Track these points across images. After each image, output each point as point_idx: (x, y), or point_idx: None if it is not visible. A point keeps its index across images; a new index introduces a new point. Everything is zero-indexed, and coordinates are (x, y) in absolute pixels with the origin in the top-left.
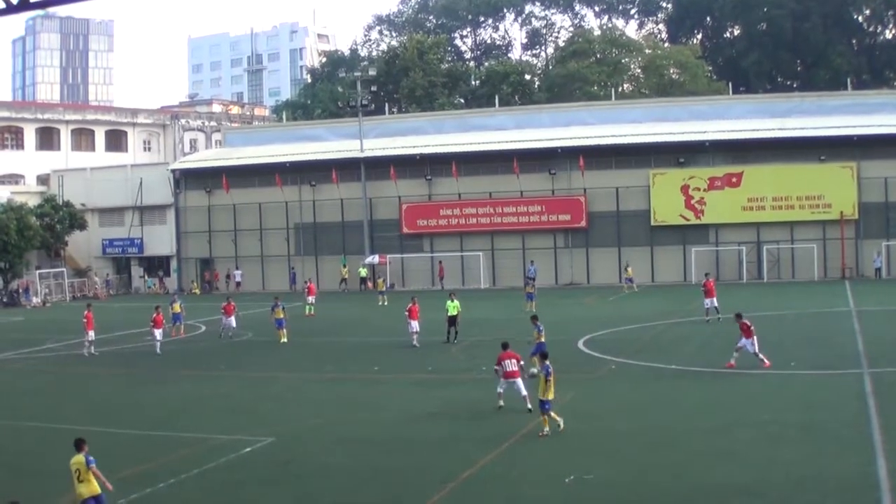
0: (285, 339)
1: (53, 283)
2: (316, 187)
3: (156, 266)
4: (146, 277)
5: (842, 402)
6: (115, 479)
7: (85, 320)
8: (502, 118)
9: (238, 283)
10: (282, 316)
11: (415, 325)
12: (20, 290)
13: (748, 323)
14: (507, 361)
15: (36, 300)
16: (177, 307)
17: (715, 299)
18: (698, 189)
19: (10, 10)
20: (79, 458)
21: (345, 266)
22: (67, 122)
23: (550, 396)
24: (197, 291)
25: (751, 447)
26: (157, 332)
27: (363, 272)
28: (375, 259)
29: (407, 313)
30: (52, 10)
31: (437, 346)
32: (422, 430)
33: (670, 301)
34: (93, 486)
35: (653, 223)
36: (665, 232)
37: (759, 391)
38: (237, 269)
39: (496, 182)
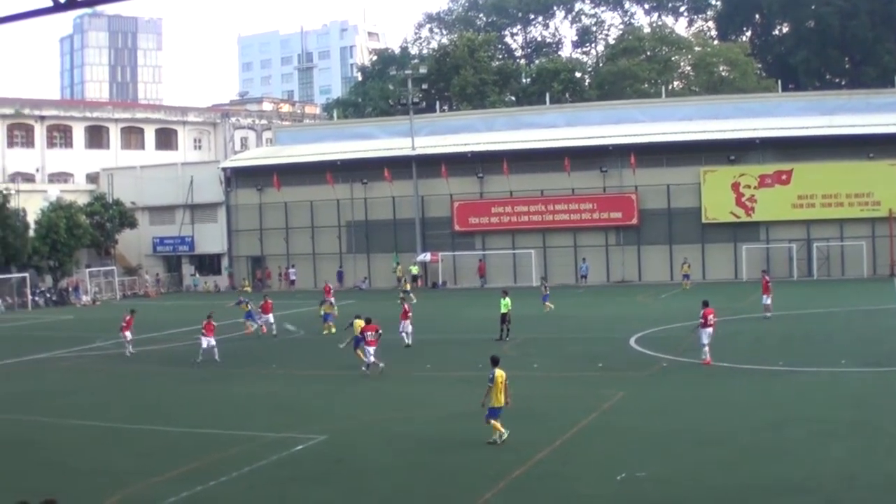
0: (331, 332)
1: (103, 281)
2: (367, 185)
3: (207, 264)
4: (196, 275)
5: (892, 400)
6: (165, 478)
7: (123, 324)
8: (553, 116)
9: (292, 282)
10: (330, 311)
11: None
12: (70, 289)
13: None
14: None
15: (86, 298)
16: (247, 307)
17: (769, 296)
18: (749, 186)
19: (58, 8)
20: None
21: (398, 264)
22: (117, 120)
23: (496, 404)
24: (248, 289)
25: (801, 444)
26: (205, 341)
27: (414, 270)
28: (427, 257)
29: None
30: (99, 8)
31: (490, 344)
32: (473, 428)
33: (722, 298)
34: None
35: (704, 221)
36: (716, 229)
37: (810, 388)
38: (291, 267)
39: (547, 180)
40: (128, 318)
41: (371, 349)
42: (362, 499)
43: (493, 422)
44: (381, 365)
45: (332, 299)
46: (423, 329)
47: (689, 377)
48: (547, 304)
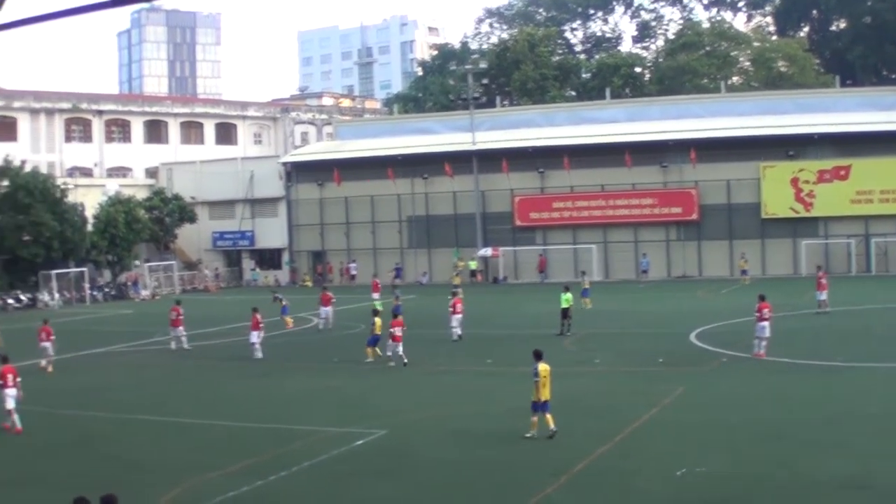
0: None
1: (163, 275)
2: (428, 180)
3: (267, 259)
4: (257, 270)
5: None
6: (224, 472)
7: (174, 316)
8: (613, 111)
9: (353, 276)
10: (398, 303)
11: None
12: (129, 283)
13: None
14: None
15: (145, 293)
16: (282, 302)
17: (825, 293)
18: (807, 182)
19: (116, 2)
20: None
21: (459, 259)
22: (176, 115)
23: (538, 398)
24: (309, 284)
25: (860, 440)
26: (254, 335)
27: (473, 264)
28: (489, 252)
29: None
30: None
31: (551, 339)
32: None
33: (781, 294)
34: None
35: (763, 216)
36: (775, 225)
37: (868, 384)
38: (352, 261)
39: (608, 175)
40: (177, 309)
41: (397, 344)
42: (422, 493)
43: (532, 418)
44: (402, 357)
45: (378, 295)
46: (485, 324)
47: (748, 373)
48: (586, 299)
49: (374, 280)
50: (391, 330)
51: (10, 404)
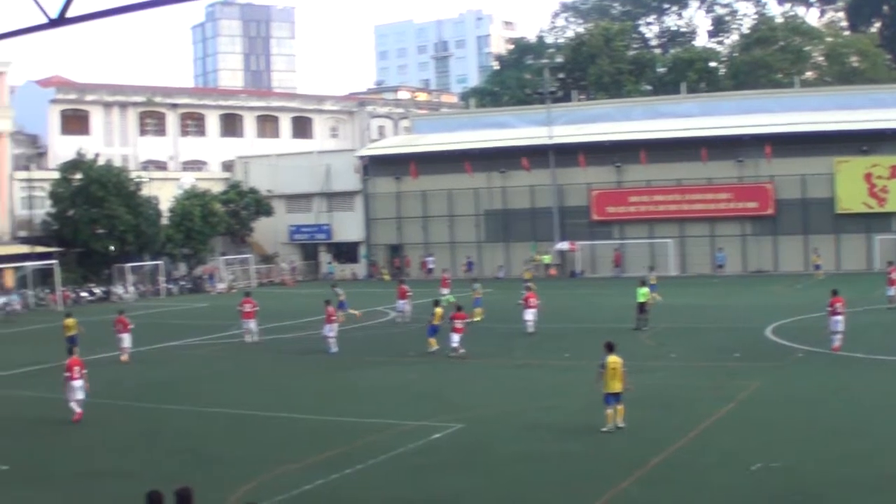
0: (479, 318)
1: (239, 269)
2: (505, 174)
3: (344, 252)
4: (333, 263)
5: None
6: (300, 466)
7: (244, 308)
8: (689, 105)
9: (430, 270)
10: (479, 295)
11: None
12: (205, 277)
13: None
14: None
15: (221, 286)
16: (341, 296)
17: (894, 288)
18: (881, 177)
19: None
20: None
21: (537, 253)
22: (251, 108)
23: (609, 390)
24: (386, 277)
25: None
26: (328, 328)
27: (547, 259)
28: (566, 246)
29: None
30: None
31: (627, 333)
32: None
33: (856, 289)
34: None
35: (837, 211)
36: (849, 220)
37: None
38: (430, 255)
39: (684, 169)
40: (250, 301)
41: (457, 336)
42: (498, 487)
43: (606, 410)
44: (463, 351)
45: (447, 290)
46: (562, 318)
47: (824, 368)
48: (653, 294)
49: (444, 275)
50: (453, 322)
51: (79, 395)
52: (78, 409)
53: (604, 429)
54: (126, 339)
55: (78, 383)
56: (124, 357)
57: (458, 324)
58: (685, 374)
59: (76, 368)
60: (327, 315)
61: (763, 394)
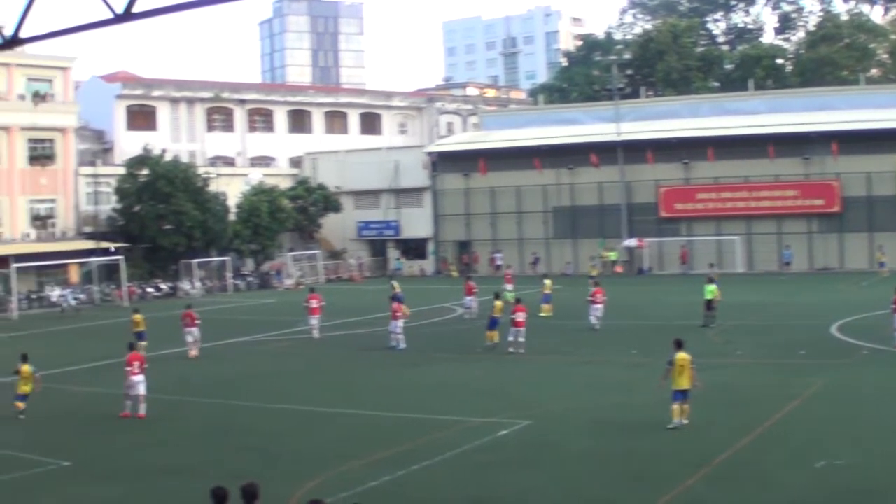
0: (547, 314)
1: (307, 265)
2: (573, 170)
3: (413, 248)
4: (402, 259)
5: None
6: (366, 462)
7: (310, 305)
8: (756, 102)
9: (498, 266)
10: (548, 291)
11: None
12: (272, 273)
13: None
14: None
15: (288, 282)
16: (397, 289)
17: None
18: None
19: None
20: None
21: (605, 249)
22: (320, 104)
23: (677, 387)
24: (454, 274)
25: None
26: (395, 324)
27: (613, 256)
28: (634, 242)
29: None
30: None
31: (694, 330)
32: None
33: None
34: None
35: None
36: None
37: None
38: (498, 251)
39: (751, 166)
40: (316, 297)
41: (515, 330)
42: (564, 484)
43: (673, 406)
44: (522, 341)
45: (511, 287)
46: (629, 315)
47: (890, 365)
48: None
49: (507, 272)
50: (513, 316)
51: (139, 390)
52: (139, 406)
53: (670, 425)
54: (194, 334)
55: (138, 378)
56: (193, 352)
57: (518, 318)
58: (751, 372)
59: (136, 364)
60: (392, 311)
61: (828, 391)
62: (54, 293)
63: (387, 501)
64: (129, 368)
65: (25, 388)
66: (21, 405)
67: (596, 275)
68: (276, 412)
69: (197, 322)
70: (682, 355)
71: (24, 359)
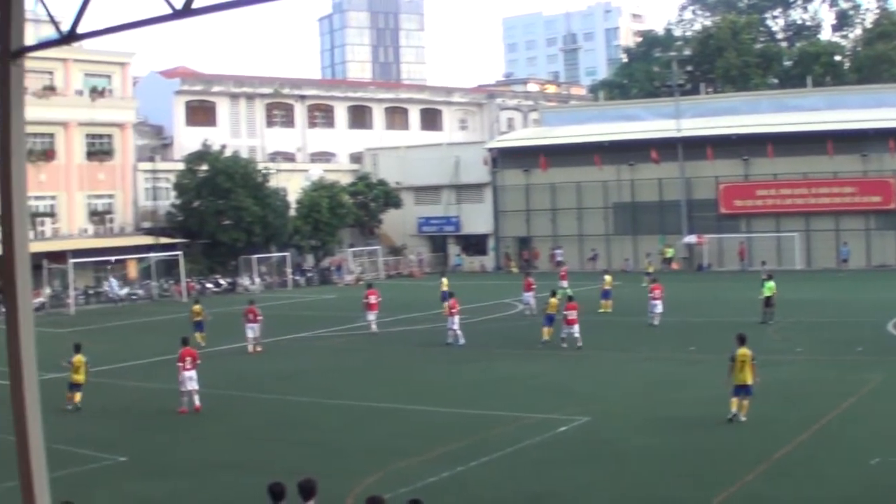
0: (606, 310)
1: (367, 260)
2: (634, 166)
3: (473, 244)
4: (462, 255)
5: None
6: (425, 458)
7: (369, 300)
8: (814, 99)
9: (559, 263)
10: (608, 287)
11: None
12: (332, 268)
13: None
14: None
15: (349, 278)
16: (445, 284)
17: None
18: None
19: None
20: None
21: (665, 246)
22: (380, 100)
23: (737, 382)
24: (514, 270)
25: None
26: (452, 320)
27: (670, 252)
28: (693, 239)
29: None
30: None
31: (753, 327)
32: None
33: None
34: None
35: None
36: None
37: None
38: (558, 247)
39: (810, 163)
40: (373, 293)
41: (572, 327)
42: (622, 480)
43: (732, 398)
44: (577, 339)
45: (566, 283)
46: (688, 311)
47: None
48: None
49: (563, 269)
50: (566, 313)
51: (190, 385)
52: (193, 400)
53: (728, 416)
54: (255, 330)
55: (189, 374)
56: (258, 348)
57: (571, 314)
58: (809, 368)
59: (188, 359)
60: (449, 308)
61: (885, 388)
62: (113, 285)
63: (446, 497)
64: (181, 364)
65: (78, 378)
66: (75, 396)
67: (652, 271)
68: (335, 408)
69: (259, 318)
70: (743, 351)
71: (77, 349)
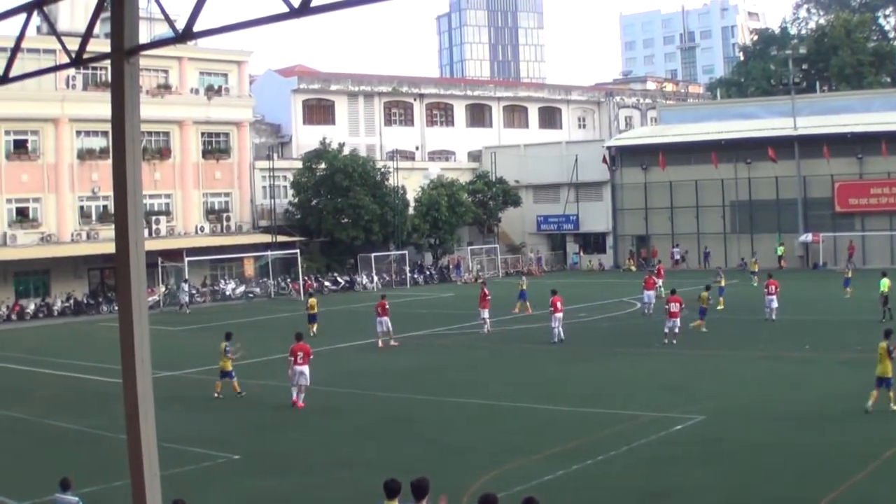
0: (721, 307)
1: (486, 259)
2: (751, 165)
3: (591, 243)
4: (580, 253)
5: None
6: (541, 456)
7: (488, 297)
8: None
9: (676, 261)
10: (722, 284)
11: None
12: (450, 266)
13: None
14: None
15: (467, 276)
16: (523, 285)
17: None
18: None
19: None
20: None
21: (781, 244)
22: (499, 98)
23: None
24: (633, 268)
25: None
26: (555, 318)
27: (780, 250)
28: (809, 237)
29: (765, 289)
30: None
31: (872, 325)
32: (847, 409)
33: None
34: None
35: None
36: None
37: None
38: (675, 246)
39: None
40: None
41: (674, 321)
42: (736, 479)
43: (872, 391)
44: (676, 335)
45: (661, 281)
46: (804, 309)
47: None
48: (847, 289)
49: (659, 266)
50: (666, 307)
51: (301, 381)
52: (300, 396)
53: (867, 405)
54: (384, 324)
55: (301, 368)
56: (392, 342)
57: (672, 308)
58: None
59: (300, 353)
60: (552, 305)
61: None
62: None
63: (561, 496)
64: (292, 358)
65: (226, 365)
66: (219, 385)
67: (757, 270)
68: (454, 405)
69: (388, 313)
70: (881, 344)
71: (227, 337)
